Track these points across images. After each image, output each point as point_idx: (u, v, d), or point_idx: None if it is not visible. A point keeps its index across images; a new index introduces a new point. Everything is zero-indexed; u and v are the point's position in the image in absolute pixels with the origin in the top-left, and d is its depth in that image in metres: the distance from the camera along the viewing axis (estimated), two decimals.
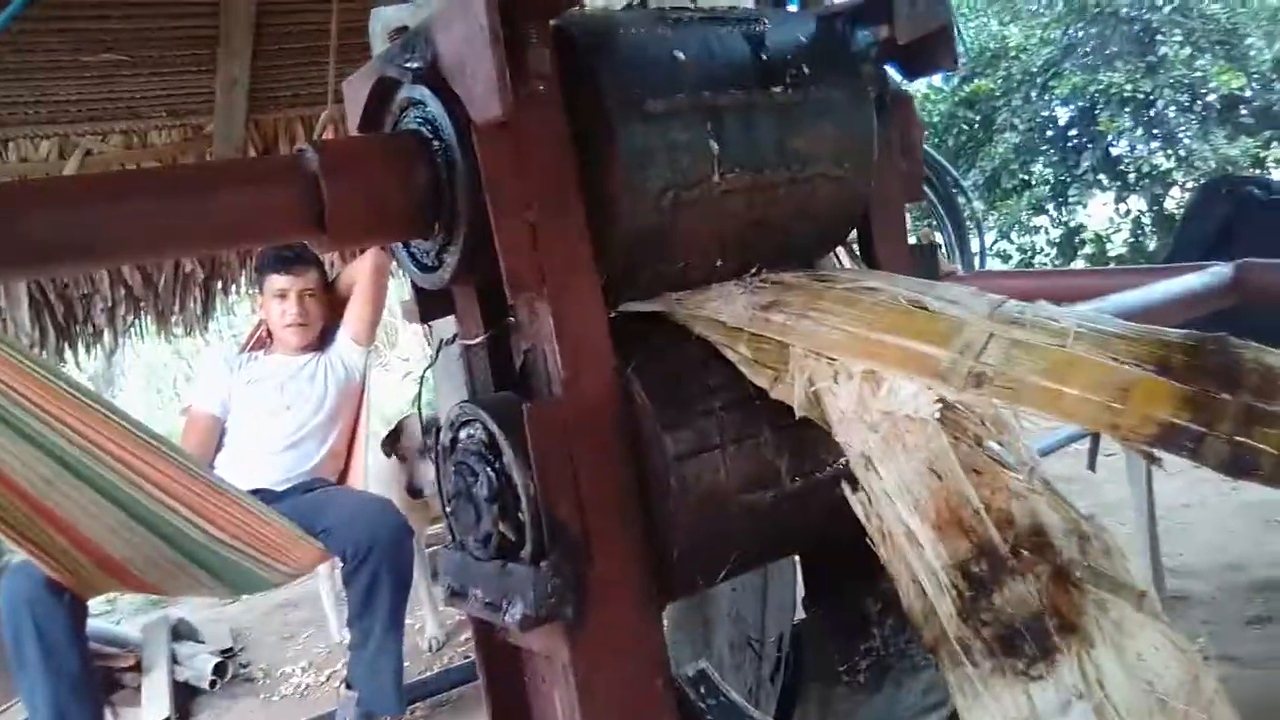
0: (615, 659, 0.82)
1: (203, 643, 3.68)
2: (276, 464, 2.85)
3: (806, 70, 0.94)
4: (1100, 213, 8.93)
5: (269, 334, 3.10)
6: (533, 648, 0.87)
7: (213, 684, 3.33)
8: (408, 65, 0.79)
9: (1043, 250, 8.74)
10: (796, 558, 1.17)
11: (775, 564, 1.18)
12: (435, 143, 0.80)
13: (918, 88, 9.04)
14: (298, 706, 3.24)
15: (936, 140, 8.58)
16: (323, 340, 3.07)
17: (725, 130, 0.89)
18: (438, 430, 0.88)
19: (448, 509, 0.88)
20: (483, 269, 0.80)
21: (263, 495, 2.67)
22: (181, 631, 3.69)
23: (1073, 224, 8.60)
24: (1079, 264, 8.68)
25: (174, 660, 3.39)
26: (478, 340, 0.89)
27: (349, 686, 2.75)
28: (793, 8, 1.86)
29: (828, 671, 1.11)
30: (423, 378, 0.99)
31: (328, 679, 3.41)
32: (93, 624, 3.31)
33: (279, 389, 2.95)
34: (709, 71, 0.88)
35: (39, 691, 2.23)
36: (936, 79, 9.26)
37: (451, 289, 0.90)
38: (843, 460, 0.90)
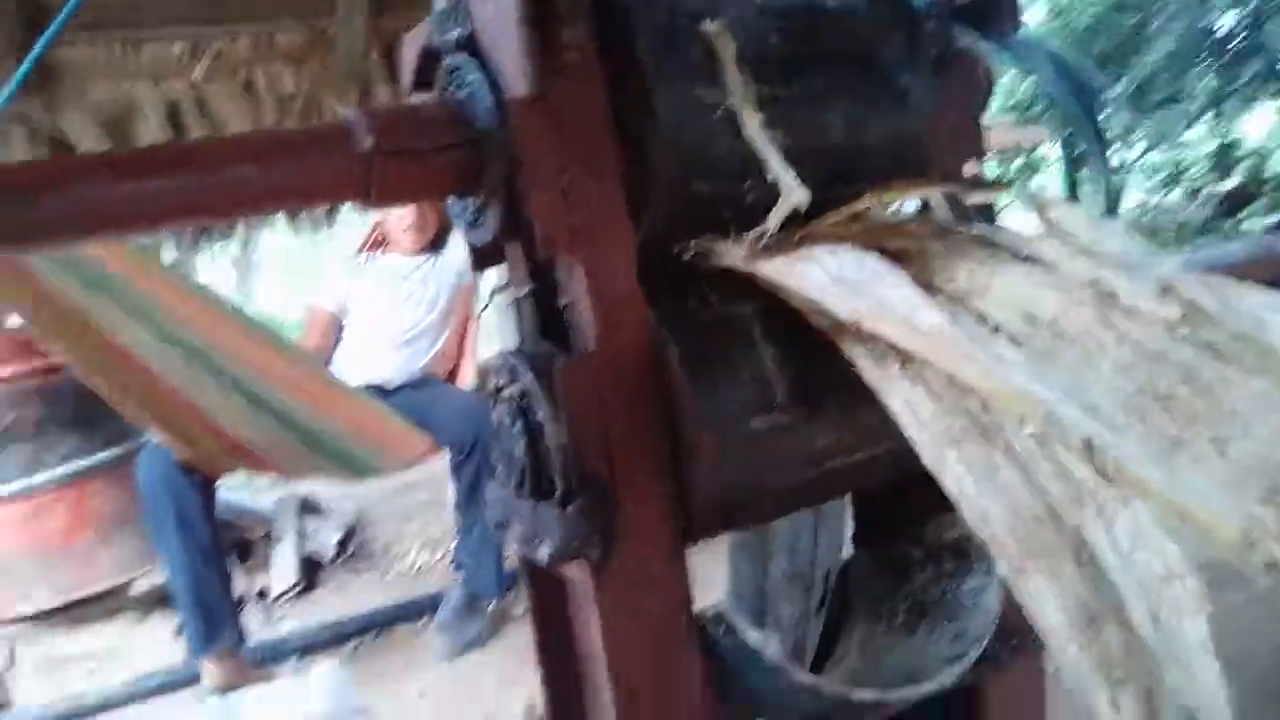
0: (639, 596, 0.88)
1: (328, 519, 3.98)
2: (390, 361, 3.01)
3: (855, 27, 0.92)
4: (1260, 126, 8.23)
5: (385, 235, 3.23)
6: (566, 576, 0.94)
7: (335, 557, 3.60)
8: (448, 36, 0.82)
9: (1196, 164, 8.14)
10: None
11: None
12: (477, 109, 0.83)
13: None
14: (413, 582, 3.48)
15: (1083, 46, 8.00)
16: (437, 243, 3.18)
17: (770, 88, 0.89)
18: (486, 374, 0.93)
19: (493, 448, 0.94)
20: (522, 229, 0.84)
21: (376, 390, 2.85)
22: (310, 506, 3.99)
23: (1229, 139, 7.96)
24: (1233, 180, 8.04)
25: (301, 534, 3.67)
26: (524, 292, 0.93)
27: (457, 567, 2.95)
28: None
29: (868, 610, 1.15)
30: (479, 318, 1.04)
31: (441, 557, 3.64)
32: (230, 496, 3.62)
33: (393, 289, 3.09)
34: (753, 30, 0.88)
35: (176, 557, 2.49)
36: None
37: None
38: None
